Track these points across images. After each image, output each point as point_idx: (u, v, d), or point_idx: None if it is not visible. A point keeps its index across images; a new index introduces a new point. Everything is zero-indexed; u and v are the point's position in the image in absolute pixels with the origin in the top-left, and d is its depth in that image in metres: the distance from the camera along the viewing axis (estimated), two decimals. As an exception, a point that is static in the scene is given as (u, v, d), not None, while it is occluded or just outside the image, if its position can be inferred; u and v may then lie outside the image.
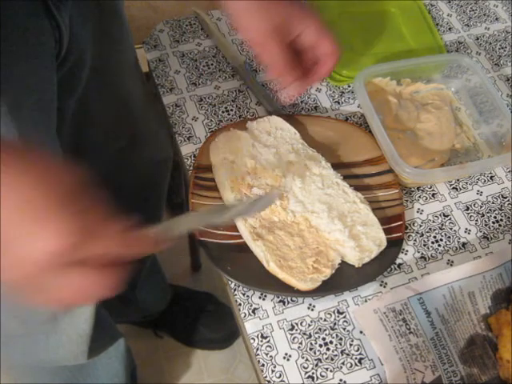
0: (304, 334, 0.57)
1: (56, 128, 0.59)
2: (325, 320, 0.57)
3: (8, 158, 0.35)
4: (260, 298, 0.58)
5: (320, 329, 0.57)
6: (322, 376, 0.55)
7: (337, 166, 0.63)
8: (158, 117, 0.80)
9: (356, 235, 0.58)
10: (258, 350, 0.55)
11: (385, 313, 0.56)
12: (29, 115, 0.52)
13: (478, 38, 0.82)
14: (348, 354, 0.56)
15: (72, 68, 0.59)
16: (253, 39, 0.58)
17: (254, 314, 0.57)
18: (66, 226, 0.35)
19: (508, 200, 0.67)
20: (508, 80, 0.78)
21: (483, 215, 0.66)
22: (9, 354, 0.79)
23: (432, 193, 0.67)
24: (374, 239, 0.58)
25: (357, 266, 0.57)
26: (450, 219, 0.65)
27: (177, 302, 1.21)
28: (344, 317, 0.58)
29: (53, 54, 0.53)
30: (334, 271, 0.56)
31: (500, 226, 0.65)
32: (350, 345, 0.56)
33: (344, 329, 0.57)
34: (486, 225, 0.65)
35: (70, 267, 0.37)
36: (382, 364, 0.54)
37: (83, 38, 0.59)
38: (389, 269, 0.60)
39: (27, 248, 0.35)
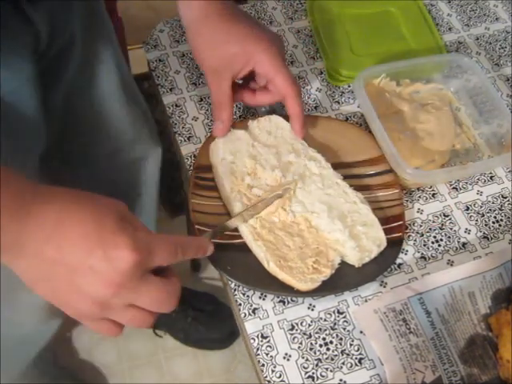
0: (304, 333, 0.57)
1: (44, 127, 0.59)
2: (325, 320, 0.57)
3: (57, 196, 0.40)
4: (260, 298, 0.58)
5: (320, 329, 0.57)
6: (322, 376, 0.55)
7: (337, 166, 0.63)
8: (143, 115, 0.80)
9: (356, 235, 0.58)
10: (258, 349, 0.55)
11: (385, 313, 0.56)
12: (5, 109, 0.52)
13: (477, 38, 0.82)
14: (348, 354, 0.56)
15: (56, 61, 0.59)
16: (216, 97, 0.61)
17: (254, 313, 0.57)
18: (131, 243, 0.39)
19: (508, 200, 0.67)
20: (508, 80, 0.78)
21: (483, 215, 0.66)
22: None
23: (432, 193, 0.67)
24: (374, 239, 0.58)
25: (357, 265, 0.57)
26: (450, 219, 0.65)
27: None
28: (344, 317, 0.58)
29: (28, 47, 0.53)
30: (333, 271, 0.56)
31: (500, 226, 0.65)
32: (350, 345, 0.56)
33: (344, 329, 0.57)
34: (486, 225, 0.65)
35: (148, 275, 0.41)
36: (382, 364, 0.54)
37: (67, 32, 0.59)
38: (389, 269, 0.60)
39: (106, 271, 0.39)
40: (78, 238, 0.39)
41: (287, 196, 0.59)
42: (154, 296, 0.42)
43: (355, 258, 0.57)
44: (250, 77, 0.63)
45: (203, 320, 1.23)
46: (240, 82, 0.64)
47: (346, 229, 0.58)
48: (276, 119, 0.65)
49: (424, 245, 0.63)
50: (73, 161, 0.76)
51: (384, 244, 0.58)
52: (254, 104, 0.65)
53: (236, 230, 0.59)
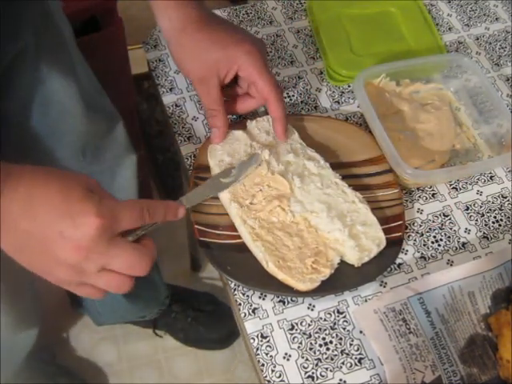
0: (304, 333, 0.57)
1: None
2: (325, 320, 0.57)
3: (25, 175, 0.42)
4: (260, 297, 0.58)
5: (320, 329, 0.57)
6: (322, 376, 0.55)
7: (336, 166, 0.63)
8: (110, 125, 0.79)
9: (355, 235, 0.58)
10: (257, 349, 0.55)
11: (385, 313, 0.56)
12: None
13: (478, 38, 0.82)
14: (348, 354, 0.56)
15: (8, 72, 0.59)
16: (208, 105, 0.62)
17: (254, 313, 0.57)
18: (96, 209, 0.42)
19: (508, 200, 0.67)
20: (508, 80, 0.78)
21: (483, 215, 0.66)
22: None
23: (432, 193, 0.67)
24: (374, 239, 0.58)
25: (356, 265, 0.57)
26: (449, 219, 0.65)
27: (176, 301, 1.21)
28: (344, 317, 0.58)
29: None
30: (333, 271, 0.56)
31: (500, 225, 0.65)
32: (350, 345, 0.56)
33: (344, 329, 0.57)
34: (485, 225, 0.65)
35: (117, 240, 0.44)
36: (382, 364, 0.54)
37: (19, 41, 0.59)
38: (389, 269, 0.60)
39: (75, 236, 0.41)
40: (49, 209, 0.41)
41: (258, 165, 0.60)
42: (124, 259, 0.44)
43: (355, 258, 0.57)
44: (232, 84, 0.63)
45: (203, 320, 1.23)
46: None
47: (346, 228, 0.58)
48: None
49: (424, 245, 0.63)
50: None
51: (383, 243, 0.58)
52: (239, 112, 0.66)
53: (235, 229, 0.59)
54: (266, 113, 0.65)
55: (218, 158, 0.62)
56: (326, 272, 0.56)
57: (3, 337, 0.81)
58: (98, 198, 0.43)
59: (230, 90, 0.64)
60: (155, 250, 0.47)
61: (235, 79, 0.63)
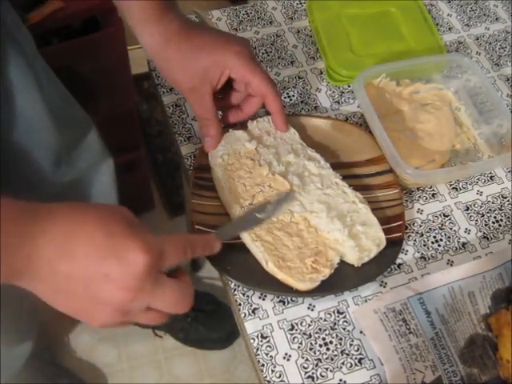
0: (304, 334, 0.57)
1: None
2: (325, 320, 0.57)
3: (58, 212, 0.39)
4: (260, 298, 0.58)
5: (320, 329, 0.57)
6: (322, 376, 0.55)
7: (336, 166, 0.63)
8: (80, 134, 0.78)
9: (355, 235, 0.58)
10: (257, 350, 0.55)
11: (385, 313, 0.56)
12: None
13: (478, 38, 0.82)
14: (348, 354, 0.56)
15: None
16: (200, 115, 0.61)
17: (254, 314, 0.57)
18: (143, 246, 0.39)
19: (508, 200, 0.67)
20: (508, 80, 0.78)
21: (483, 215, 0.66)
22: None
23: (432, 193, 0.67)
24: (374, 239, 0.58)
25: (356, 265, 0.57)
26: (449, 219, 0.65)
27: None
28: (344, 317, 0.58)
29: None
30: (332, 271, 0.56)
31: (500, 226, 0.65)
32: (350, 345, 0.56)
33: (344, 329, 0.57)
34: (486, 225, 0.65)
35: (161, 277, 0.42)
36: (382, 364, 0.54)
37: None
38: (389, 269, 0.60)
39: (122, 276, 0.39)
40: (89, 249, 0.39)
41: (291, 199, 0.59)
42: (169, 298, 0.42)
43: (354, 258, 0.57)
44: (229, 93, 0.63)
45: (203, 320, 1.23)
46: (220, 96, 0.64)
47: (346, 228, 0.58)
48: None
49: (424, 245, 0.63)
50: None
51: (383, 244, 0.58)
52: (244, 118, 0.65)
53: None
54: (267, 113, 0.65)
55: (218, 158, 0.62)
56: (326, 272, 0.56)
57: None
58: (142, 233, 0.40)
59: (226, 98, 0.64)
60: (193, 286, 0.45)
61: (229, 86, 0.62)
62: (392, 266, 0.61)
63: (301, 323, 0.57)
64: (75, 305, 0.41)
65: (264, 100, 0.61)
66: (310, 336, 0.57)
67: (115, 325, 0.43)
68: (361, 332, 0.57)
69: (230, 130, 0.64)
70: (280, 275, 0.55)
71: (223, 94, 0.63)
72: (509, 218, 0.66)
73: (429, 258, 0.62)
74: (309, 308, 0.58)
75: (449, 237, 0.64)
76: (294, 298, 0.58)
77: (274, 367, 0.55)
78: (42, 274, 0.38)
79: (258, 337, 0.56)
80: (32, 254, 0.38)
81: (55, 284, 0.39)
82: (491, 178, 0.69)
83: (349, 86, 0.75)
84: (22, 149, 0.69)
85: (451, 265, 0.62)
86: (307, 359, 0.55)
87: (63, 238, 0.38)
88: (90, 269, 0.39)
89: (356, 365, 0.55)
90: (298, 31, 0.80)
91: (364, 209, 0.60)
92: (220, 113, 0.64)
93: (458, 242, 0.64)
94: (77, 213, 0.40)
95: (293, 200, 0.59)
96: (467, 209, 0.66)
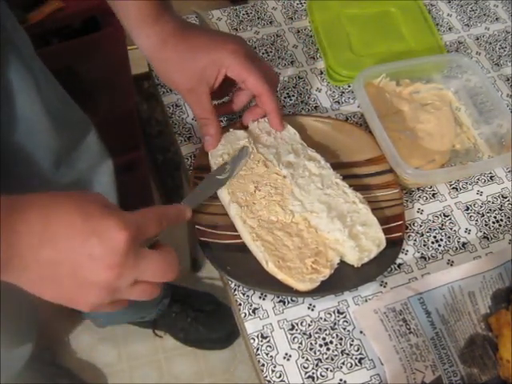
0: (304, 333, 0.57)
1: None
2: (325, 320, 0.57)
3: (35, 203, 0.40)
4: (260, 297, 0.58)
5: (320, 329, 0.57)
6: (322, 376, 0.55)
7: (336, 166, 0.63)
8: (79, 135, 0.78)
9: (355, 235, 0.58)
10: (258, 350, 0.55)
11: (385, 313, 0.56)
12: None
13: (477, 38, 0.82)
14: (348, 354, 0.56)
15: None
16: (199, 114, 0.62)
17: (254, 313, 0.57)
18: (121, 223, 0.40)
19: (508, 200, 0.67)
20: (508, 80, 0.78)
21: (483, 215, 0.66)
22: None
23: (432, 193, 0.67)
24: (374, 239, 0.58)
25: (356, 265, 0.57)
26: (450, 219, 0.65)
27: (176, 302, 1.21)
28: (344, 317, 0.58)
29: None
30: (332, 271, 0.56)
31: (500, 225, 0.65)
32: (350, 345, 0.56)
33: (344, 329, 0.57)
34: (486, 225, 0.65)
35: (143, 250, 0.43)
36: (382, 364, 0.54)
37: None
38: (389, 269, 0.60)
39: (105, 255, 0.40)
40: (70, 232, 0.39)
41: (249, 157, 0.61)
42: (154, 268, 0.43)
43: (354, 258, 0.57)
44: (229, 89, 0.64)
45: (203, 320, 1.23)
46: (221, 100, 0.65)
47: (346, 228, 0.58)
48: None
49: (424, 245, 0.63)
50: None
51: (383, 244, 0.58)
52: (233, 110, 0.66)
53: (235, 229, 0.59)
54: None
55: (218, 157, 0.62)
56: (326, 272, 0.56)
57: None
58: (117, 211, 0.42)
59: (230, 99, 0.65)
60: (175, 253, 0.46)
61: (227, 85, 0.62)
62: (392, 266, 0.61)
63: (301, 323, 0.57)
64: (62, 290, 0.41)
65: (260, 99, 0.62)
66: (310, 336, 0.57)
67: (104, 306, 0.43)
68: (361, 332, 0.57)
69: (231, 130, 0.64)
70: (280, 275, 0.55)
71: (227, 93, 0.64)
72: (509, 218, 0.66)
73: (429, 258, 0.62)
74: (309, 308, 0.58)
75: (449, 237, 0.64)
76: (294, 298, 0.58)
77: (274, 367, 0.55)
78: (26, 263, 0.39)
79: (258, 337, 0.56)
80: (13, 244, 0.38)
81: (40, 271, 0.40)
82: (491, 177, 0.69)
83: (349, 86, 0.75)
84: (22, 150, 0.69)
85: (451, 265, 0.62)
86: (307, 359, 0.55)
87: (42, 225, 0.39)
88: (73, 251, 0.39)
89: (356, 365, 0.55)
90: (298, 31, 0.80)
91: (364, 209, 0.60)
92: None
93: (458, 241, 0.64)
94: (53, 200, 0.41)
95: (249, 155, 0.61)
96: (467, 209, 0.66)
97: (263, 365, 0.55)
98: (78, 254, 0.39)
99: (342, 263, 0.58)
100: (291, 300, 0.58)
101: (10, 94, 0.63)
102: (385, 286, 0.60)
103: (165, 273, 0.44)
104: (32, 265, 0.39)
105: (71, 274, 0.40)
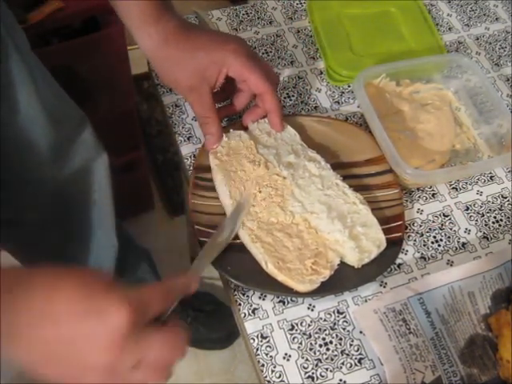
0: (304, 334, 0.57)
1: None
2: (325, 320, 0.57)
3: (37, 278, 0.39)
4: (260, 298, 0.58)
5: (320, 329, 0.57)
6: (322, 376, 0.55)
7: (336, 167, 0.63)
8: (76, 121, 0.78)
9: (356, 236, 0.58)
10: (257, 350, 0.55)
11: (385, 313, 0.56)
12: None
13: (478, 38, 0.82)
14: (348, 354, 0.56)
15: None
16: (200, 113, 0.61)
17: (254, 314, 0.57)
18: (123, 301, 0.38)
19: (508, 200, 0.67)
20: (508, 80, 0.78)
21: (483, 215, 0.66)
22: None
23: (432, 193, 0.67)
24: (374, 240, 0.58)
25: (356, 266, 0.57)
26: (449, 219, 0.65)
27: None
28: (344, 317, 0.58)
29: None
30: (332, 272, 0.56)
31: (500, 225, 0.65)
32: (350, 345, 0.56)
33: (344, 329, 0.57)
34: (485, 225, 0.65)
35: (147, 329, 0.40)
36: (382, 364, 0.54)
37: None
38: (389, 269, 0.60)
39: (103, 333, 0.38)
40: (70, 308, 0.38)
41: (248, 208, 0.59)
42: (157, 349, 0.40)
43: (355, 259, 0.57)
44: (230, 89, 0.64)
45: (203, 320, 1.23)
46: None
47: (346, 229, 0.58)
48: None
49: (424, 245, 0.63)
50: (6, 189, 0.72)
51: (384, 245, 0.58)
52: (234, 112, 0.66)
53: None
54: None
55: (218, 158, 0.62)
56: (326, 273, 0.56)
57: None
58: (121, 288, 0.39)
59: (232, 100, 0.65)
60: (184, 330, 0.43)
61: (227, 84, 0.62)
62: (392, 266, 0.61)
63: (301, 323, 0.57)
64: (62, 370, 0.39)
65: (261, 97, 0.62)
66: (310, 336, 0.57)
67: None
68: (361, 332, 0.57)
69: (231, 131, 0.64)
70: (280, 277, 0.55)
71: (228, 94, 0.64)
72: (509, 218, 0.66)
73: (429, 258, 0.62)
74: (309, 308, 0.58)
75: (449, 237, 0.64)
76: (293, 298, 0.58)
77: (274, 367, 0.55)
78: (27, 340, 0.37)
79: (257, 337, 0.56)
80: (14, 322, 0.37)
81: (39, 349, 0.38)
82: (491, 177, 0.69)
83: (349, 86, 0.75)
84: (20, 145, 0.69)
85: (451, 265, 0.62)
86: (307, 359, 0.55)
87: (44, 302, 0.37)
88: (72, 328, 0.38)
89: (356, 365, 0.55)
90: (298, 31, 0.80)
91: (364, 210, 0.60)
92: None
93: (458, 242, 0.64)
94: (55, 276, 0.39)
95: (246, 209, 0.58)
96: (467, 209, 0.66)
97: (263, 365, 0.55)
98: (78, 333, 0.38)
99: (342, 263, 0.58)
100: (291, 300, 0.58)
101: (10, 86, 0.63)
102: (384, 286, 0.60)
103: (170, 354, 0.41)
104: (32, 343, 0.38)
105: (70, 354, 0.38)
